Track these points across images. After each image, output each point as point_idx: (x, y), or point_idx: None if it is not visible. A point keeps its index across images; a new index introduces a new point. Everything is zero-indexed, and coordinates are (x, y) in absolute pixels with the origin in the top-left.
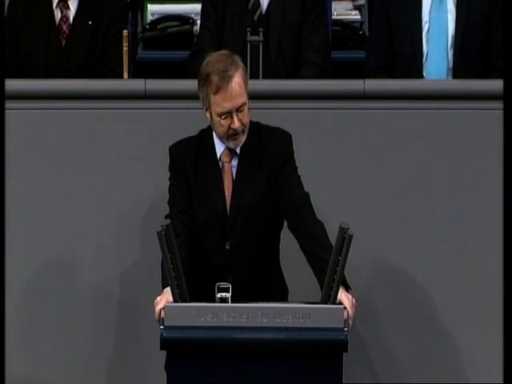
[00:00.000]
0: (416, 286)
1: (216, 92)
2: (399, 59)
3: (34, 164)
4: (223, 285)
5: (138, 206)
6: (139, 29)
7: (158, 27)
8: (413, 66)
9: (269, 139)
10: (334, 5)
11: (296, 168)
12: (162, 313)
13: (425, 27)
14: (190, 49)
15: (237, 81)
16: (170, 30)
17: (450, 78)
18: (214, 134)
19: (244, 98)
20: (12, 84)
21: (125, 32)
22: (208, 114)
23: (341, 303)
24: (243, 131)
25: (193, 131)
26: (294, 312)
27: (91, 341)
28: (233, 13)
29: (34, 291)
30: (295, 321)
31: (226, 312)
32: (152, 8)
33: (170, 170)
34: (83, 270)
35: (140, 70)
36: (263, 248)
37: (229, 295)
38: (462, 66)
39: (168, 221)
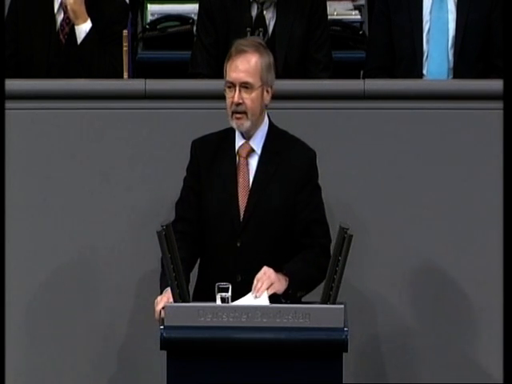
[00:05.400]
0: (416, 286)
1: (228, 60)
2: (399, 59)
3: (34, 164)
4: (223, 285)
5: (136, 205)
6: (139, 29)
7: (158, 27)
8: (413, 65)
9: (292, 150)
10: (334, 5)
11: (316, 191)
12: (162, 313)
13: (425, 27)
14: (190, 49)
15: (248, 58)
16: (169, 30)
17: (451, 77)
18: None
19: (251, 79)
20: (12, 84)
21: (125, 32)
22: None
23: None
24: (246, 114)
25: (193, 131)
26: (293, 312)
27: (91, 340)
28: (237, 29)
29: (41, 291)
30: (295, 321)
31: (226, 312)
32: (152, 8)
33: (187, 166)
34: (87, 270)
35: (140, 70)
36: (277, 251)
37: (229, 295)
38: (462, 66)
39: (168, 220)
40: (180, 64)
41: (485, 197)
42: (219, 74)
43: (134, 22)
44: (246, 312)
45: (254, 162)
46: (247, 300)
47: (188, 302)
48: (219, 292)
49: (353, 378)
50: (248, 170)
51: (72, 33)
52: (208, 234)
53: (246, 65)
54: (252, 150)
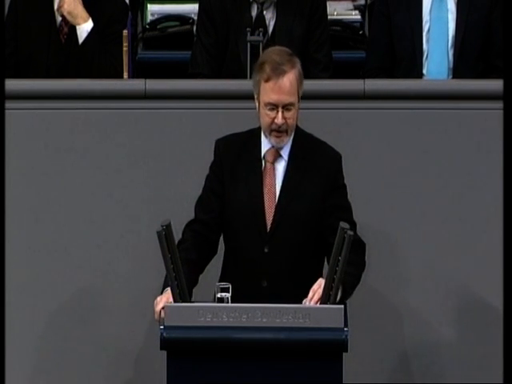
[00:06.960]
0: (415, 287)
1: (267, 80)
2: (399, 59)
3: (34, 164)
4: (223, 285)
5: (136, 205)
6: (139, 29)
7: (158, 27)
8: (413, 65)
9: (319, 155)
10: (334, 5)
11: (344, 192)
12: (162, 313)
13: (425, 27)
14: (190, 49)
15: (290, 78)
16: (170, 29)
17: (451, 77)
18: (262, 132)
19: (293, 99)
20: (12, 84)
21: (125, 32)
22: (257, 103)
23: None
24: (287, 131)
25: (193, 131)
26: (293, 312)
27: (91, 341)
28: (237, 29)
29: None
30: (295, 321)
31: (225, 312)
32: (152, 8)
33: (210, 165)
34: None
35: (140, 70)
36: (303, 255)
37: (229, 295)
38: (462, 66)
39: (168, 220)
40: (180, 64)
41: (485, 197)
42: (219, 74)
43: (133, 22)
44: (246, 312)
45: (280, 167)
46: None
47: (188, 302)
48: (219, 292)
49: (353, 378)
50: (275, 175)
51: (71, 33)
52: (233, 238)
53: (288, 86)
54: (279, 155)
